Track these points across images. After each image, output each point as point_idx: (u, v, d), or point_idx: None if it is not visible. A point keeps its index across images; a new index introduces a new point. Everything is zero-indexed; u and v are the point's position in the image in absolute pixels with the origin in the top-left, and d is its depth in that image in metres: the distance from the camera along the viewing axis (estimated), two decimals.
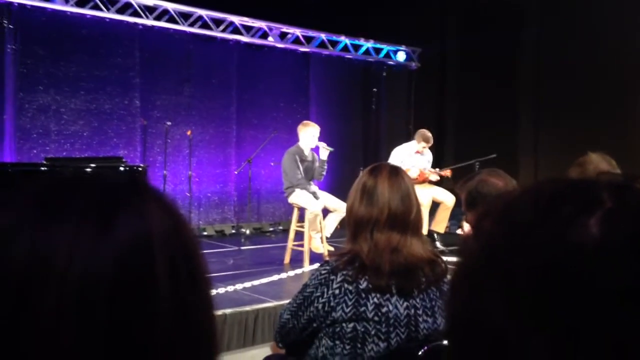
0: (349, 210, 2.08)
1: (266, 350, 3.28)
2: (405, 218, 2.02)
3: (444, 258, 2.09)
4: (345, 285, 1.95)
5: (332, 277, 1.97)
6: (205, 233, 8.00)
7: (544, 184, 0.60)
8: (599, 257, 0.50)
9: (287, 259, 6.36)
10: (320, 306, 1.98)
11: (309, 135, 6.35)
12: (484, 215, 0.61)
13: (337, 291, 1.96)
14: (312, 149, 6.46)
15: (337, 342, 1.97)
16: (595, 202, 0.53)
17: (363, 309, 1.94)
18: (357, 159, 9.24)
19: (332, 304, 1.96)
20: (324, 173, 6.51)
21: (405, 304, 1.98)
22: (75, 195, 0.60)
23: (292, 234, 6.34)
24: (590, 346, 0.48)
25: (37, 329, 0.54)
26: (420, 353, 1.89)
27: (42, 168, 5.65)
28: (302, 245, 6.26)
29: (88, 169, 5.69)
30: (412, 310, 1.99)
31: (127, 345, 0.56)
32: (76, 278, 0.55)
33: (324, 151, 6.42)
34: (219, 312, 4.41)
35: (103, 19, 7.18)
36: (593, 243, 0.50)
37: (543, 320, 0.50)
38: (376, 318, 1.94)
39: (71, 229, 0.57)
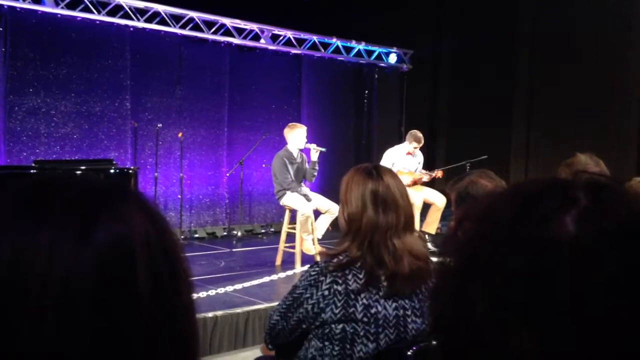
0: (357, 220, 1.99)
1: (257, 352, 3.28)
2: (411, 217, 2.04)
3: (435, 259, 2.10)
4: (335, 287, 1.95)
5: (321, 278, 1.97)
6: (196, 235, 7.99)
7: (522, 184, 0.61)
8: (575, 252, 0.51)
9: (278, 261, 6.35)
10: (309, 307, 1.98)
11: (297, 136, 6.35)
12: (465, 216, 0.62)
13: (326, 292, 1.95)
14: (301, 151, 6.46)
15: (327, 343, 1.97)
16: (571, 200, 0.54)
17: (352, 310, 1.94)
18: (349, 160, 9.24)
19: (321, 305, 1.96)
20: (316, 174, 6.51)
21: (394, 304, 1.98)
22: (57, 198, 0.60)
23: (283, 236, 6.34)
24: (575, 337, 0.49)
25: (22, 332, 0.54)
26: (409, 353, 1.89)
27: (31, 171, 5.61)
28: (293, 247, 6.25)
29: (77, 172, 5.66)
30: (401, 311, 1.99)
31: (111, 346, 0.57)
32: (57, 282, 0.55)
33: (315, 152, 6.42)
34: (210, 314, 4.41)
35: (94, 21, 7.15)
36: (569, 239, 0.52)
37: (527, 316, 0.51)
38: (365, 319, 1.94)
39: (52, 233, 0.57)
